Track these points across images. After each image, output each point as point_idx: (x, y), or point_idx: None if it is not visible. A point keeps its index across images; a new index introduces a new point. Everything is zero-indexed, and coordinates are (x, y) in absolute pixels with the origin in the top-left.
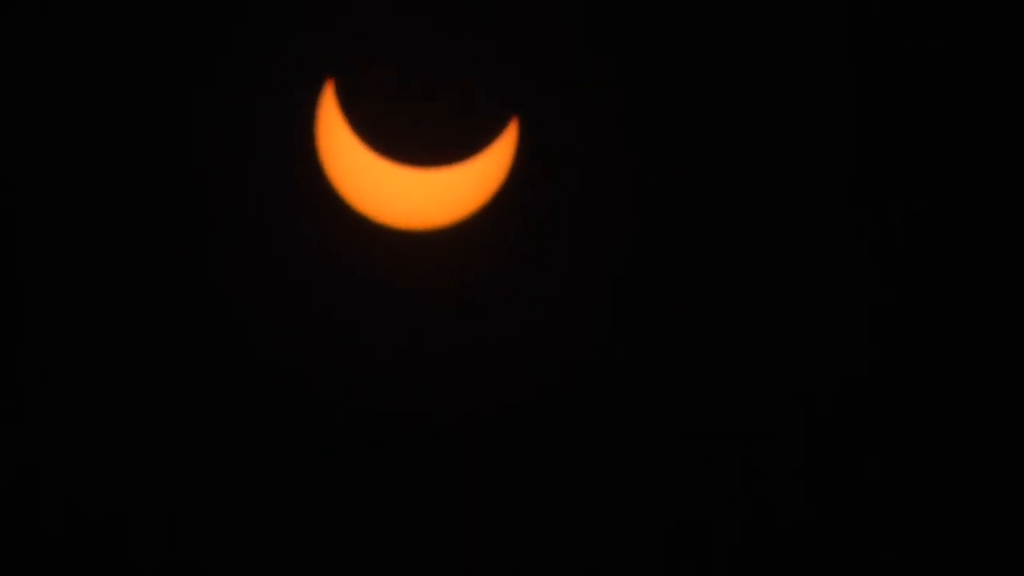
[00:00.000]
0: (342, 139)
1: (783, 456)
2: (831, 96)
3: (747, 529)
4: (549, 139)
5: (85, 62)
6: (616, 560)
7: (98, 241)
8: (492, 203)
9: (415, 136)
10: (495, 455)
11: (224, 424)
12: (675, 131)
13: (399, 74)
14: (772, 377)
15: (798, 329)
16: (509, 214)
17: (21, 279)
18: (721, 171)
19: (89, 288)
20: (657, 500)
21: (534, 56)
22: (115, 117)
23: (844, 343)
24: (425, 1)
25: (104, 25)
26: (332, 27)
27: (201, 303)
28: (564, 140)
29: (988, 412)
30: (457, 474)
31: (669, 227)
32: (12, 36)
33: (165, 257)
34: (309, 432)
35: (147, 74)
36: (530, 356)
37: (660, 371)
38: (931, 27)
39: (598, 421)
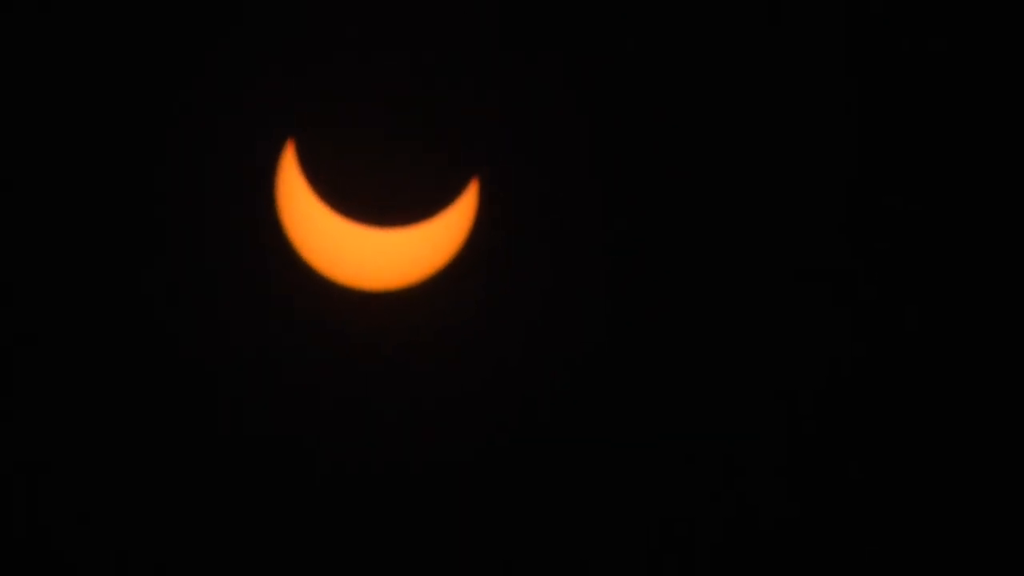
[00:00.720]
0: (303, 199)
1: (766, 456)
2: (799, 117)
3: (731, 527)
4: (509, 200)
5: (49, 126)
6: None
7: (58, 301)
8: (453, 264)
9: (375, 196)
10: (456, 512)
11: (182, 483)
12: (637, 191)
13: (360, 134)
14: (750, 396)
15: (772, 348)
16: (469, 275)
17: None
18: (687, 230)
19: (50, 345)
20: (629, 536)
21: (495, 117)
22: (75, 174)
23: (827, 345)
24: (385, 62)
25: (66, 82)
26: (293, 87)
27: (160, 361)
28: (524, 200)
29: (976, 411)
30: (418, 531)
31: (633, 288)
32: None
33: (125, 314)
34: (268, 491)
35: (110, 134)
36: (491, 416)
37: (622, 440)
38: (912, 27)
39: (558, 482)
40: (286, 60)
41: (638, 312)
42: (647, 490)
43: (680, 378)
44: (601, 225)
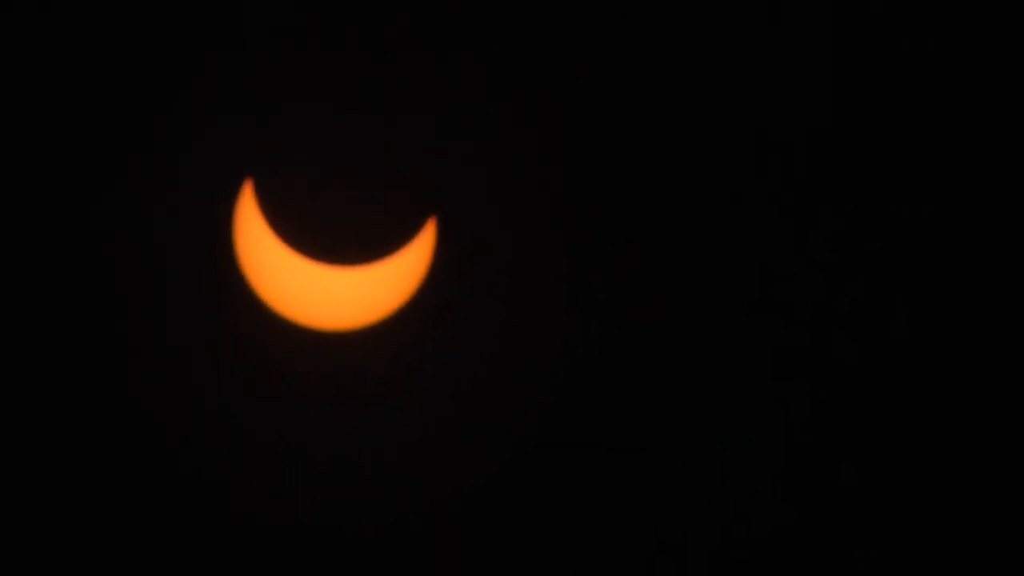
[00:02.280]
0: (261, 239)
1: (757, 462)
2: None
3: (723, 532)
4: (467, 239)
5: (5, 163)
6: None
7: (11, 338)
8: (410, 304)
9: (333, 235)
10: (417, 551)
11: (137, 527)
12: (594, 230)
13: (318, 173)
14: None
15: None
16: (427, 314)
17: None
18: (647, 269)
19: (4, 386)
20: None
21: (452, 157)
22: (31, 212)
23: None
24: (343, 102)
25: (23, 120)
26: (251, 127)
27: (115, 400)
28: (482, 239)
29: (967, 412)
30: (378, 572)
31: (592, 326)
32: None
33: (79, 354)
34: (221, 531)
35: (68, 172)
36: (449, 455)
37: (582, 477)
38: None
39: (521, 519)
40: (245, 100)
41: (598, 350)
42: (614, 526)
43: (643, 412)
44: (558, 264)
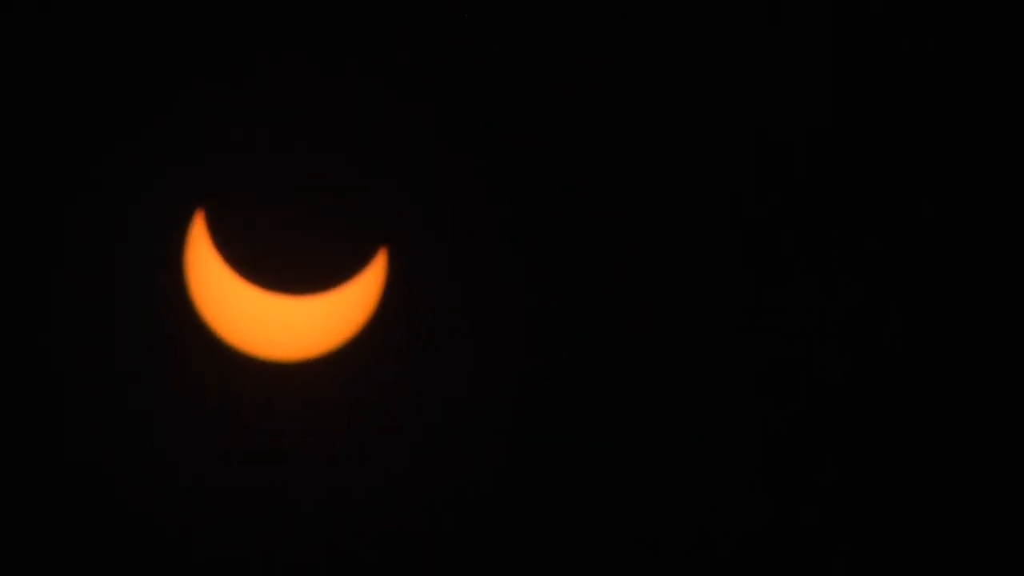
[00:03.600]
0: (212, 269)
1: (736, 462)
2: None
3: (701, 528)
4: (417, 268)
5: None
6: None
7: None
8: (362, 333)
9: (285, 265)
10: None
11: (84, 566)
12: (546, 260)
13: (269, 202)
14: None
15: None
16: (379, 344)
17: None
18: (600, 299)
19: None
20: None
21: (402, 187)
22: None
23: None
24: (294, 132)
25: None
26: (202, 158)
27: (64, 434)
28: (433, 270)
29: (959, 412)
30: None
31: (544, 354)
32: None
33: (29, 385)
34: (172, 563)
35: (18, 202)
36: (404, 485)
37: (542, 510)
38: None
39: (482, 549)
40: (196, 130)
41: (551, 379)
42: (584, 554)
43: (602, 438)
44: (509, 294)
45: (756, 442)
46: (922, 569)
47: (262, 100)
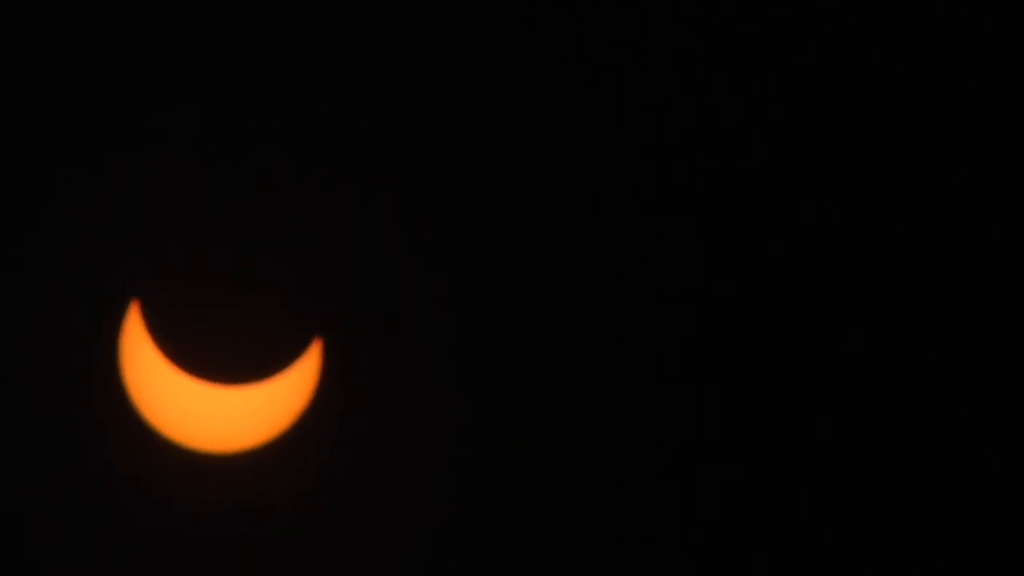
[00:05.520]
0: (147, 359)
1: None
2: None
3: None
4: (352, 360)
5: None
6: None
7: None
8: (297, 424)
9: (220, 355)
10: None
11: None
12: (483, 349)
13: (204, 293)
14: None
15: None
16: (314, 434)
17: None
18: (547, 390)
19: None
20: None
21: (337, 279)
22: None
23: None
24: (230, 222)
25: None
26: (137, 247)
27: None
28: (368, 361)
29: (953, 413)
30: None
31: (482, 440)
32: None
33: None
34: None
35: None
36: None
37: None
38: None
39: None
40: (131, 220)
41: (489, 463)
42: None
43: (538, 539)
44: (445, 382)
45: (746, 444)
46: (922, 569)
47: (197, 189)
